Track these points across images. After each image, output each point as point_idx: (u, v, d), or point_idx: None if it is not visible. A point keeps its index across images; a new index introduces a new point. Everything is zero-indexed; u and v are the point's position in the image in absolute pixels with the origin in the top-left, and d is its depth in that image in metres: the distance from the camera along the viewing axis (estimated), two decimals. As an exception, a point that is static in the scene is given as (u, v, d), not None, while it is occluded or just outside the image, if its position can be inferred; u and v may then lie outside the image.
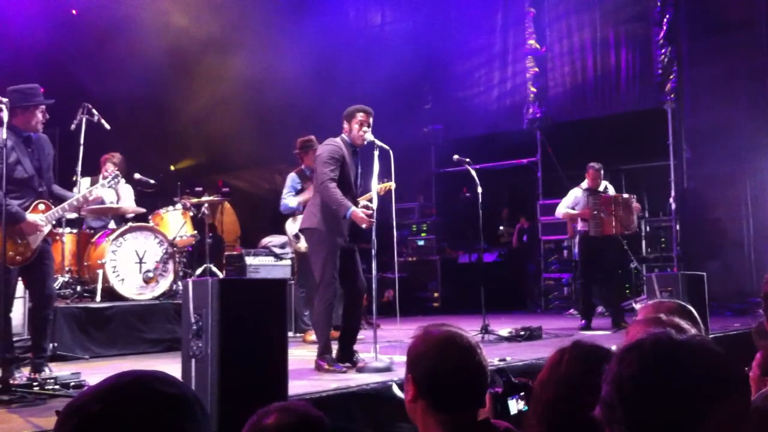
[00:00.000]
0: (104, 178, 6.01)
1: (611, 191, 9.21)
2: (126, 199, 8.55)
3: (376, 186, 5.97)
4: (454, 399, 2.20)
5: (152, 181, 8.95)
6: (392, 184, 6.18)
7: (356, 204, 6.04)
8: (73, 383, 4.80)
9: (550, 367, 2.28)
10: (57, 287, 7.16)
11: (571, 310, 11.36)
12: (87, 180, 8.17)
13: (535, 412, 2.26)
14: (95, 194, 5.65)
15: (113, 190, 8.27)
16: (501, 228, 14.25)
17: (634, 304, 9.65)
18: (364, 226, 5.80)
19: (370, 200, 6.05)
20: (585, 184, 9.14)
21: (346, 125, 6.02)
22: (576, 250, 11.74)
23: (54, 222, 5.47)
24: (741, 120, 11.29)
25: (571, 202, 9.13)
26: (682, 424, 1.34)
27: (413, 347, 2.30)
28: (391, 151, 6.00)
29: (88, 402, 1.18)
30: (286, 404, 2.18)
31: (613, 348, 2.16)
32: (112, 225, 8.44)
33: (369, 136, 5.99)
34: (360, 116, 5.97)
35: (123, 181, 8.45)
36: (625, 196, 9.11)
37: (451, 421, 2.17)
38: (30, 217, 5.14)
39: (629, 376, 1.37)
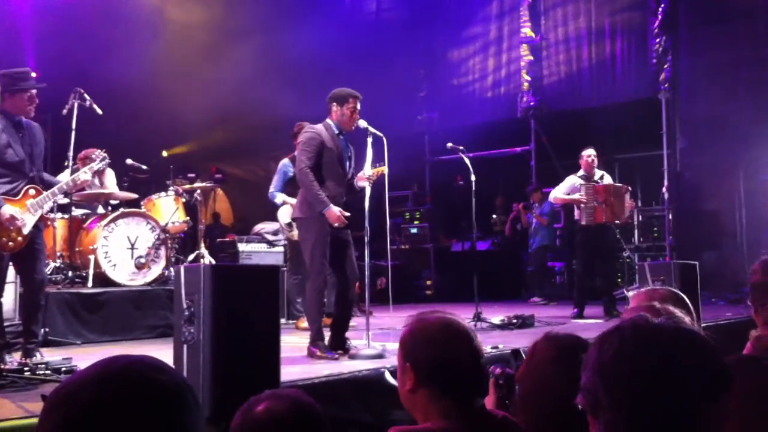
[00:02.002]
0: (91, 161, 5.96)
1: (607, 180, 9.20)
2: (111, 185, 8.53)
3: (368, 173, 5.95)
4: (458, 384, 2.17)
5: (144, 167, 8.93)
6: (385, 169, 6.15)
7: (351, 187, 6.03)
8: (64, 368, 4.79)
9: (526, 361, 2.31)
10: (49, 273, 7.14)
11: (535, 298, 11.63)
12: (66, 173, 8.11)
13: (517, 404, 2.29)
14: (82, 178, 5.60)
15: (95, 179, 8.24)
16: (494, 216, 14.25)
17: (626, 293, 9.67)
18: (336, 225, 5.79)
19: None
20: (581, 170, 9.14)
21: (335, 108, 5.95)
22: (531, 240, 12.01)
23: (45, 207, 5.44)
24: (738, 110, 11.29)
25: (567, 188, 9.12)
26: (669, 408, 1.33)
27: (409, 335, 2.26)
28: (384, 138, 5.97)
29: (77, 390, 1.16)
30: (278, 391, 2.18)
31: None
32: (100, 210, 8.40)
33: (362, 123, 5.96)
34: (352, 101, 5.94)
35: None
36: (618, 185, 9.11)
37: (455, 408, 2.15)
38: (6, 208, 5.01)
39: (610, 361, 1.37)
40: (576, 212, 9.10)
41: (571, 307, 9.20)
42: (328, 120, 6.00)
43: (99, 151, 6.36)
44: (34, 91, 5.26)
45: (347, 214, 5.83)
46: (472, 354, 2.21)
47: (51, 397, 1.18)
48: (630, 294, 7.86)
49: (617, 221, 8.94)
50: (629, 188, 9.23)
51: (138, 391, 1.16)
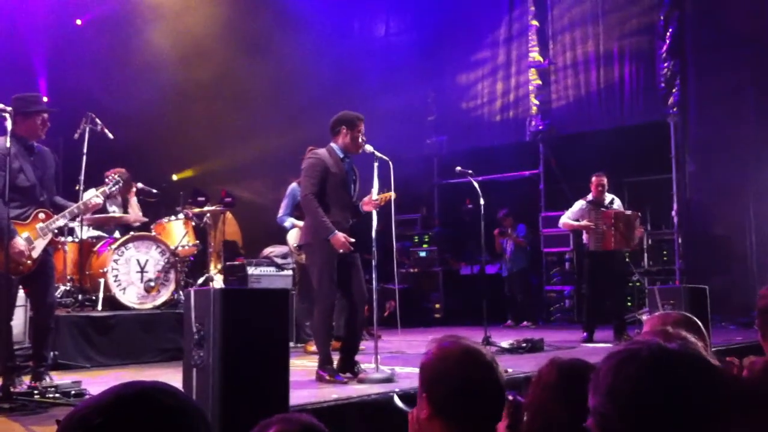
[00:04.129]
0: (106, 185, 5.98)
1: (617, 204, 9.18)
2: (134, 208, 8.58)
3: (375, 198, 5.95)
4: (475, 416, 2.14)
5: (155, 191, 8.98)
6: (392, 194, 6.15)
7: (357, 210, 6.04)
8: (74, 392, 4.79)
9: (532, 386, 2.32)
10: (58, 296, 7.16)
11: (509, 322, 11.78)
12: (92, 191, 8.16)
13: (524, 429, 2.26)
14: (94, 202, 5.62)
15: (118, 203, 8.32)
16: (503, 240, 14.23)
17: (637, 316, 9.62)
18: (341, 251, 5.78)
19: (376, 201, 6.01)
20: (590, 195, 9.13)
21: (345, 131, 5.94)
22: (510, 264, 12.13)
23: (56, 231, 5.46)
24: (746, 133, 11.28)
25: (575, 214, 9.11)
26: None
27: (429, 365, 2.21)
28: (390, 163, 5.96)
29: (90, 414, 1.17)
30: (289, 415, 2.17)
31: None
32: (116, 235, 8.42)
33: (369, 148, 5.96)
34: (360, 124, 5.97)
35: (134, 191, 8.52)
36: (628, 212, 9.07)
37: None
38: (18, 241, 5.04)
39: (629, 388, 1.36)
40: (584, 236, 9.08)
41: (580, 331, 9.16)
42: (332, 144, 6.00)
43: (114, 174, 6.38)
44: (46, 115, 5.31)
45: (352, 240, 5.83)
46: (494, 386, 2.16)
47: (64, 421, 1.19)
48: (643, 318, 7.82)
49: (627, 249, 8.92)
50: (639, 215, 9.20)
51: (151, 416, 1.17)
